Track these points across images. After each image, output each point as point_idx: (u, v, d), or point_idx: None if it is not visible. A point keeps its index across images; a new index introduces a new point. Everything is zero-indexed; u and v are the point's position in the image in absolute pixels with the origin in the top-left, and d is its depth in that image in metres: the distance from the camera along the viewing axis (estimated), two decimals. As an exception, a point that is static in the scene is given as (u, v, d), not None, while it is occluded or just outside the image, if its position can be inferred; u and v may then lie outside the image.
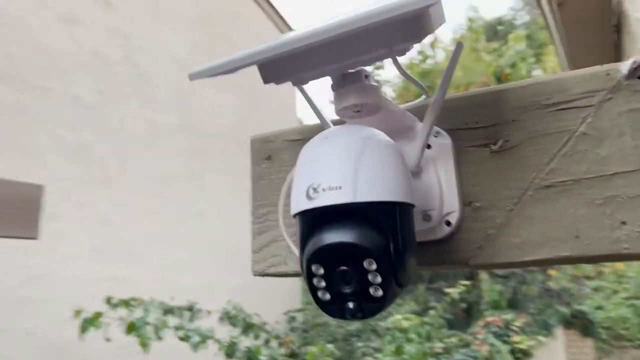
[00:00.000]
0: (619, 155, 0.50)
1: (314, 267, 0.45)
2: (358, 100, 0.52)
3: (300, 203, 0.46)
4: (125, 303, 2.67)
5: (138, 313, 2.55)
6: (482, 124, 0.57)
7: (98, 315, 2.35)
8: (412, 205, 0.48)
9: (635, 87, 0.51)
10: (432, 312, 3.61)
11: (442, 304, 3.92)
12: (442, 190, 0.56)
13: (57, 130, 4.31)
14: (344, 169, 0.45)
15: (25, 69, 4.12)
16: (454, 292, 3.66)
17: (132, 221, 4.79)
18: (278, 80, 0.53)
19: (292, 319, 6.11)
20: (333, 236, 0.44)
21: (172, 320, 2.75)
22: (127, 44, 5.10)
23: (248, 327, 3.61)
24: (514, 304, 6.94)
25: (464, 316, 6.76)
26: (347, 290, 0.44)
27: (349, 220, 0.44)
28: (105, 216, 4.52)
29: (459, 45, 0.52)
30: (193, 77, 0.50)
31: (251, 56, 0.47)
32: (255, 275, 0.70)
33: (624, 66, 0.51)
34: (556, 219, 0.52)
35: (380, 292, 0.44)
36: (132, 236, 4.73)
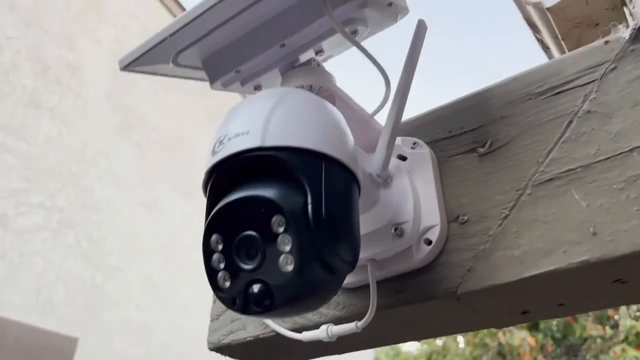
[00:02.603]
0: (636, 126, 0.39)
1: (212, 240, 0.34)
2: (306, 82, 0.45)
3: (205, 165, 0.37)
4: None
5: None
6: (467, 128, 0.47)
7: None
8: (353, 173, 0.37)
9: (643, 51, 0.41)
10: None
11: None
12: (418, 200, 0.45)
13: (125, 309, 4.35)
14: (255, 114, 0.36)
15: (104, 249, 4.35)
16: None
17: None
18: (224, 80, 0.48)
19: None
20: (235, 194, 0.34)
21: None
22: (200, 227, 5.34)
23: None
24: None
25: None
26: (249, 266, 0.32)
27: (257, 172, 0.34)
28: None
29: (420, 24, 0.46)
30: (122, 63, 0.46)
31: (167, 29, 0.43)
32: (210, 349, 0.57)
33: (626, 31, 0.42)
34: (565, 217, 0.39)
35: (290, 266, 0.31)
36: None
